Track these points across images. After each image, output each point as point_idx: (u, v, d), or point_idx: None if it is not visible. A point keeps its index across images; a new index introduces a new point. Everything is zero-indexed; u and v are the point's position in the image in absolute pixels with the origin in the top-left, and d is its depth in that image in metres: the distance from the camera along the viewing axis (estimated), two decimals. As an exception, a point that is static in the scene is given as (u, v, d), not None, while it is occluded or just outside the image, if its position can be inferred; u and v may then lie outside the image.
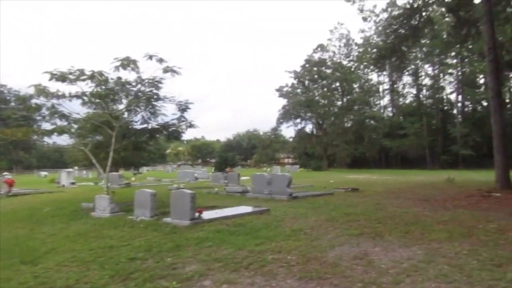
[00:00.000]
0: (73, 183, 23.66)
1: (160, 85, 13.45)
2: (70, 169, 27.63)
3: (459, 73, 55.65)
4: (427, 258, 5.84)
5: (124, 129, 13.79)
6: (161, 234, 8.20)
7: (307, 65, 60.74)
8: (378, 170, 48.78)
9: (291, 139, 69.59)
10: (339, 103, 60.95)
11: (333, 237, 7.49)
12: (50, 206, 13.39)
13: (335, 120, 58.69)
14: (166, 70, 12.53)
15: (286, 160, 77.96)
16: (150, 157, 34.42)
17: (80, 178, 32.69)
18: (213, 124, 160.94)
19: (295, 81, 61.52)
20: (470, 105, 57.31)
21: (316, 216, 10.10)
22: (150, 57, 12.05)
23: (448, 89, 59.35)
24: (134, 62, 12.22)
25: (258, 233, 7.92)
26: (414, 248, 6.52)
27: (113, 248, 7.03)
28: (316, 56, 61.55)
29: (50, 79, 12.21)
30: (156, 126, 14.33)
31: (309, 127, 63.67)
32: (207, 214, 9.81)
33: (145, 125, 14.32)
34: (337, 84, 59.83)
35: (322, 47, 62.64)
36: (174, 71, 12.58)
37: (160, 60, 12.22)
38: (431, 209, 11.31)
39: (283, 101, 62.08)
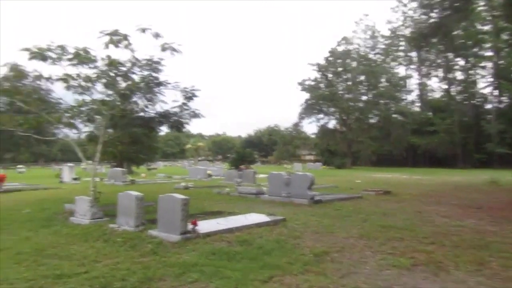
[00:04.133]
0: (75, 179, 22.07)
1: (159, 67, 11.40)
2: (71, 164, 26.09)
3: (494, 66, 51.76)
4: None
5: (117, 118, 11.82)
6: (137, 254, 6.12)
7: (331, 58, 57.87)
8: (405, 168, 45.68)
9: (313, 135, 66.89)
10: (364, 97, 57.83)
11: (374, 270, 5.23)
12: (34, 206, 11.59)
13: (360, 115, 55.67)
14: (164, 48, 10.45)
15: (307, 157, 75.33)
16: (156, 151, 32.35)
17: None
18: (235, 120, 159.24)
19: (318, 74, 58.77)
20: (506, 100, 53.32)
21: (345, 230, 7.83)
22: (143, 30, 9.98)
23: (481, 83, 55.50)
24: (126, 37, 10.18)
25: (267, 258, 5.75)
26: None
27: (60, 279, 4.99)
28: (341, 48, 58.62)
29: (30, 59, 10.32)
30: (154, 115, 12.31)
31: (332, 123, 60.82)
32: (205, 225, 7.69)
33: (141, 114, 12.33)
34: (362, 77, 56.76)
35: (346, 40, 59.63)
36: (174, 49, 10.49)
37: (156, 35, 10.14)
38: (491, 222, 8.90)
39: (306, 95, 59.53)
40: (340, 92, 57.02)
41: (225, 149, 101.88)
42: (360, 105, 56.25)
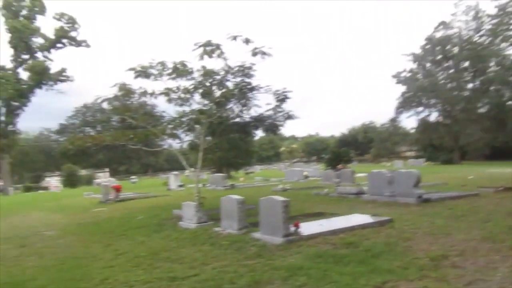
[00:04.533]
0: (181, 186, 23.52)
1: (251, 72, 11.57)
2: (176, 172, 27.84)
3: None
4: None
5: (214, 126, 12.26)
6: (243, 257, 6.18)
7: (428, 46, 53.80)
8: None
9: (412, 130, 62.71)
10: (470, 85, 52.58)
11: (508, 278, 4.55)
12: (146, 213, 12.53)
13: (466, 105, 50.69)
14: (254, 53, 10.57)
15: (408, 154, 70.90)
16: (252, 155, 32.95)
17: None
18: (327, 119, 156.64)
19: (414, 65, 55.04)
20: None
21: (463, 231, 7.04)
22: (234, 38, 10.21)
23: None
24: (219, 46, 10.52)
25: (377, 262, 5.37)
26: None
27: (173, 281, 5.22)
28: (439, 34, 54.18)
29: (136, 77, 11.23)
30: (249, 120, 12.52)
31: (434, 115, 56.35)
32: (308, 227, 7.52)
33: (237, 120, 12.63)
34: (467, 63, 51.70)
35: (445, 24, 54.83)
36: (264, 53, 10.55)
37: (247, 41, 10.29)
38: None
39: (402, 88, 56.06)
40: (441, 81, 52.63)
41: (319, 150, 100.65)
42: (465, 94, 51.28)
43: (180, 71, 10.82)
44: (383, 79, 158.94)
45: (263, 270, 5.35)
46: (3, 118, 45.03)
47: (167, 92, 11.48)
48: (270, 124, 12.46)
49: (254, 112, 12.52)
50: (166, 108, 12.25)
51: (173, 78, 11.03)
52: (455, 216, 8.56)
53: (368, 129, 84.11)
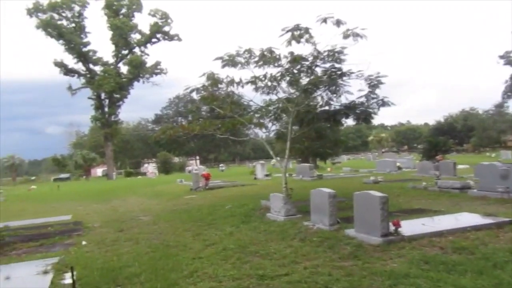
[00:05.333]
0: (267, 175, 23.47)
1: (342, 56, 10.83)
2: (263, 161, 27.83)
3: None
4: None
5: (302, 115, 11.77)
6: (336, 257, 5.67)
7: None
8: None
9: (522, 117, 55.77)
10: None
11: None
12: (234, 202, 12.55)
13: None
14: (346, 35, 9.82)
15: (516, 143, 63.34)
16: (340, 145, 31.63)
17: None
18: (419, 107, 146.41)
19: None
20: None
21: None
22: (324, 21, 9.55)
23: None
24: (307, 30, 9.96)
25: (502, 274, 4.50)
26: None
27: (263, 280, 4.91)
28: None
29: (223, 66, 11.17)
30: (339, 108, 11.78)
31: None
32: (409, 227, 6.72)
33: (325, 108, 11.96)
34: None
35: None
36: (357, 35, 9.75)
37: (338, 23, 9.57)
38: None
39: (510, 70, 49.94)
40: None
41: (411, 139, 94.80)
42: None
43: (267, 58, 10.50)
44: (487, 60, 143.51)
45: (361, 274, 4.79)
46: (106, 109, 49.36)
47: (254, 81, 11.28)
48: (362, 112, 11.60)
49: (344, 99, 11.77)
50: (253, 97, 12.03)
51: (260, 66, 10.75)
52: None
53: (468, 116, 76.78)
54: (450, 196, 11.50)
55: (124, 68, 49.62)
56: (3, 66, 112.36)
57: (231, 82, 11.07)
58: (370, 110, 11.53)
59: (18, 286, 5.11)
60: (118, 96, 48.84)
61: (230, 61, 10.85)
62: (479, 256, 5.21)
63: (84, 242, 7.95)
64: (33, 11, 44.67)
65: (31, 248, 7.81)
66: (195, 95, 12.05)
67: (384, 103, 11.30)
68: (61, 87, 48.57)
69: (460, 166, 21.01)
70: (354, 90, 11.59)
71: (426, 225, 6.98)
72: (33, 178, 61.68)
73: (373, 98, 11.23)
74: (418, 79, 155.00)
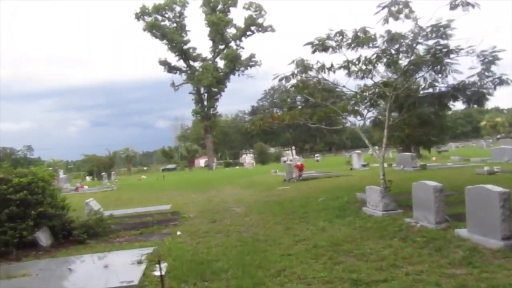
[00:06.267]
0: (364, 165, 22.25)
1: (449, 31, 9.51)
2: (359, 151, 26.46)
3: None
4: None
5: (401, 99, 10.66)
6: (445, 262, 4.88)
7: None
8: None
9: None
10: None
11: None
12: (327, 194, 11.99)
13: None
14: (454, 5, 8.55)
15: None
16: (447, 132, 28.58)
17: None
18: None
19: None
20: None
21: None
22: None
23: None
24: (407, 4, 8.89)
25: None
26: None
27: (357, 285, 4.39)
28: None
29: (313, 52, 10.58)
30: (445, 90, 10.40)
31: None
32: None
33: (429, 90, 10.66)
34: None
35: None
36: (468, 3, 8.42)
37: (444, -8, 8.39)
38: None
39: None
40: None
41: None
42: None
43: (362, 39, 9.65)
44: None
45: (479, 287, 3.99)
46: (206, 102, 51.79)
47: (346, 65, 10.52)
48: (474, 93, 10.11)
49: (452, 79, 10.37)
50: (346, 83, 11.25)
51: (353, 48, 9.96)
52: None
53: None
54: None
55: (221, 63, 51.53)
56: (119, 68, 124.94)
57: (322, 67, 10.45)
58: (484, 90, 10.00)
59: (114, 275, 5.30)
60: (216, 90, 50.88)
61: (321, 45, 10.21)
62: None
63: (178, 233, 8.16)
64: (140, 15, 48.54)
65: (132, 236, 8.27)
66: (284, 84, 11.66)
67: (502, 82, 9.68)
68: (167, 84, 52.17)
69: None
70: (464, 69, 10.16)
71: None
72: (145, 168, 67.81)
73: (487, 77, 9.70)
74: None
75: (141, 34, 58.72)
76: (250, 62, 51.64)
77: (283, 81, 11.36)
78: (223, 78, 50.89)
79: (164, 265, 5.46)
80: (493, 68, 9.85)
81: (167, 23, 49.74)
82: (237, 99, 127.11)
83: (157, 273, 5.11)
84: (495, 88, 9.96)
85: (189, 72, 51.11)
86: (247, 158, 65.69)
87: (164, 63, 50.59)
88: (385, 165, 11.47)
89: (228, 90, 53.32)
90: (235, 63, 50.29)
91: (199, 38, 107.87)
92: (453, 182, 11.21)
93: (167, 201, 13.95)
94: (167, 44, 49.32)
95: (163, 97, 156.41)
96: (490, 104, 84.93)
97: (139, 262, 5.86)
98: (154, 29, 48.41)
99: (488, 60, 9.83)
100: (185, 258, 6.01)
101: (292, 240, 6.79)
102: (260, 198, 13.10)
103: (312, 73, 10.75)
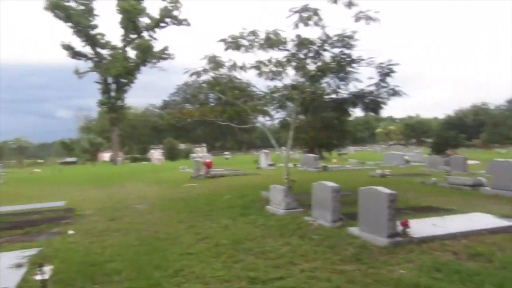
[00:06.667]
0: (271, 165, 22.91)
1: (352, 42, 10.17)
2: (267, 150, 27.26)
3: None
4: None
5: (307, 103, 11.16)
6: (337, 259, 5.15)
7: None
8: None
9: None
10: None
11: None
12: (233, 192, 12.05)
13: None
14: (358, 18, 9.14)
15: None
16: (347, 136, 30.85)
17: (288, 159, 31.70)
18: (429, 101, 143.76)
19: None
20: None
21: None
22: (335, 1, 8.89)
23: None
24: (316, 12, 9.29)
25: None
26: None
27: (253, 283, 4.41)
28: None
29: (226, 49, 10.52)
30: (347, 96, 11.14)
31: None
32: (418, 227, 6.15)
33: (333, 96, 11.32)
34: None
35: None
36: (370, 18, 9.06)
37: (349, 4, 8.90)
38: None
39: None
40: None
41: (419, 133, 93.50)
42: None
43: (273, 41, 9.84)
44: (502, 54, 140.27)
45: (365, 282, 4.26)
46: (113, 93, 48.94)
47: (258, 65, 10.64)
48: (371, 101, 10.96)
49: (353, 87, 11.11)
50: (257, 83, 11.41)
51: (265, 49, 10.11)
52: None
53: (479, 111, 75.39)
54: (461, 193, 10.89)
55: (132, 53, 49.05)
56: (13, 49, 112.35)
57: (234, 66, 10.45)
58: (380, 99, 10.89)
59: (-14, 280, 4.66)
60: (125, 80, 48.35)
61: (233, 44, 10.20)
62: (498, 265, 4.66)
63: (70, 232, 7.50)
64: (41, -8, 44.09)
65: (15, 236, 7.37)
66: (197, 79, 11.42)
67: (395, 93, 10.64)
68: (71, 70, 48.01)
69: (470, 162, 20.27)
70: (364, 78, 10.96)
71: (437, 226, 6.40)
72: (41, 161, 61.84)
73: (383, 87, 10.58)
74: (431, 73, 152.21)
75: (43, 13, 53.42)
76: (163, 54, 49.95)
77: (195, 76, 11.15)
78: (134, 68, 48.46)
79: (49, 268, 4.95)
80: (388, 79, 10.79)
81: (73, 4, 45.94)
82: (150, 93, 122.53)
83: (38, 277, 4.60)
84: (389, 98, 10.90)
85: (96, 59, 47.79)
86: (155, 154, 63.57)
87: (68, 48, 46.57)
88: (291, 165, 11.88)
89: (140, 82, 51.62)
90: (147, 54, 48.23)
91: (109, 25, 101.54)
92: (350, 183, 11.98)
93: (62, 197, 12.78)
94: (72, 28, 45.54)
95: (66, 84, 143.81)
96: (385, 113, 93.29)
97: (19, 266, 5.23)
98: (58, 9, 44.40)
99: (385, 72, 10.73)
100: (74, 260, 5.51)
101: (194, 239, 6.64)
102: (165, 195, 12.69)
103: (224, 71, 10.66)
